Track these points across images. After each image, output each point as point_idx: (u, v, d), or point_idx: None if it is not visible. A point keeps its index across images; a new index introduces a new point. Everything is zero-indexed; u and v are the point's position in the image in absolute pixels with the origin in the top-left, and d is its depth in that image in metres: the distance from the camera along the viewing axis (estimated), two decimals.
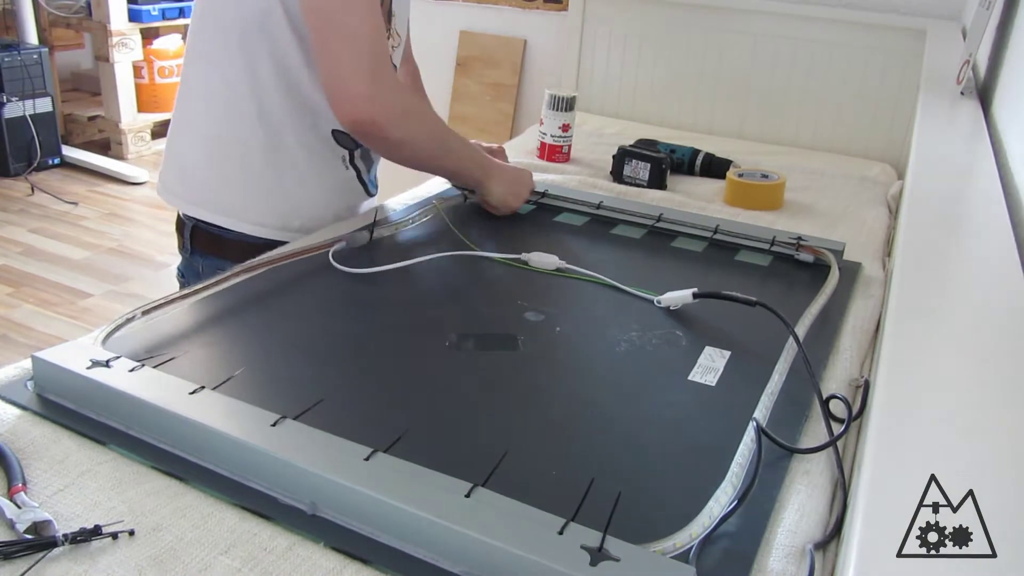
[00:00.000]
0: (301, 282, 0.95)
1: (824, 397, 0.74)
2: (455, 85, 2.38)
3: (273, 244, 1.07)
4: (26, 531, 0.54)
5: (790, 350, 0.81)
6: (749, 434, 0.66)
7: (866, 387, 0.76)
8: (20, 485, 0.57)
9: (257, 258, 0.95)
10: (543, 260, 1.02)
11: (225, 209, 1.07)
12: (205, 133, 1.07)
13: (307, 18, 0.93)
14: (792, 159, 1.71)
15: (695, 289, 0.91)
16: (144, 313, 0.82)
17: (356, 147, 1.12)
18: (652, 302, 0.94)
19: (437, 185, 1.34)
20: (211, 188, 1.07)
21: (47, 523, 0.54)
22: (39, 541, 0.53)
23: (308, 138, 1.06)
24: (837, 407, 0.73)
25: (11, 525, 0.54)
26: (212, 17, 1.02)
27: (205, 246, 1.10)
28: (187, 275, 1.14)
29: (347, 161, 1.12)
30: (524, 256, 1.03)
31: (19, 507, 0.55)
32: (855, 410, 0.72)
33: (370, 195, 1.19)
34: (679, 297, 0.92)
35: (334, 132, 1.08)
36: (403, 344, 0.84)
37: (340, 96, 0.93)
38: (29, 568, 0.51)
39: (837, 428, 0.71)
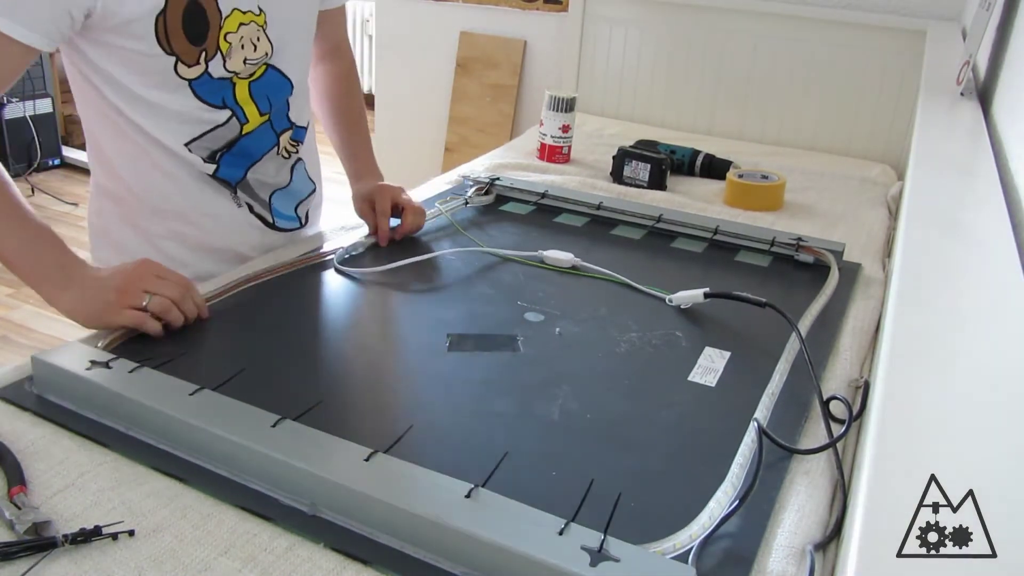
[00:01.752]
0: (301, 283, 0.95)
1: (824, 398, 0.74)
2: (455, 86, 2.38)
3: None
4: (26, 532, 0.53)
5: (790, 351, 0.81)
6: (750, 435, 0.66)
7: (866, 388, 0.76)
8: (20, 486, 0.57)
9: (256, 270, 0.94)
10: (559, 257, 1.03)
11: (119, 258, 0.95)
12: (94, 183, 0.99)
13: None
14: (792, 160, 1.71)
15: (706, 289, 0.91)
16: None
17: (236, 182, 0.99)
18: (664, 300, 0.95)
19: (439, 186, 1.34)
20: (105, 238, 1.00)
21: (47, 523, 0.54)
22: (39, 541, 0.53)
23: (180, 176, 0.95)
24: (837, 408, 0.73)
25: (11, 526, 0.54)
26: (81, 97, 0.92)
27: None
28: None
29: (235, 197, 1.00)
30: (539, 253, 1.04)
31: (19, 508, 0.55)
32: (855, 411, 0.72)
33: (281, 229, 1.06)
34: (690, 296, 0.93)
35: (214, 174, 0.97)
36: (403, 344, 0.84)
37: None
38: (29, 569, 0.51)
39: (837, 429, 0.71)
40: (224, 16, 0.89)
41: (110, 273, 0.82)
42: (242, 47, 0.91)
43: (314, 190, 1.10)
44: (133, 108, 0.90)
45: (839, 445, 0.68)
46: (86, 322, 0.81)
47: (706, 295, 0.92)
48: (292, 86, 1.00)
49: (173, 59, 0.87)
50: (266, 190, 1.03)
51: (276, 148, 1.01)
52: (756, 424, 0.66)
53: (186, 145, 0.93)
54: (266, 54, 0.94)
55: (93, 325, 0.81)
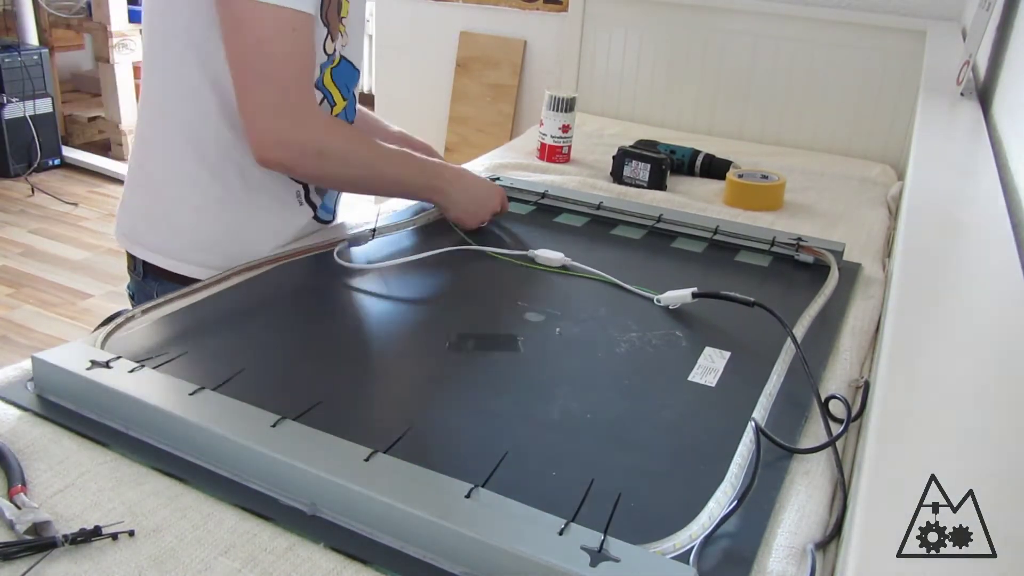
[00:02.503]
0: (301, 283, 0.95)
1: (824, 397, 0.74)
2: (455, 86, 2.38)
3: None
4: (26, 532, 0.53)
5: (789, 351, 0.81)
6: (748, 435, 0.66)
7: (866, 388, 0.76)
8: (20, 486, 0.57)
9: (258, 258, 0.95)
10: (549, 256, 1.03)
11: (165, 250, 1.01)
12: (144, 168, 1.01)
13: (227, 50, 0.88)
14: (792, 160, 1.71)
15: (694, 289, 0.91)
16: (144, 312, 0.82)
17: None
18: (652, 301, 0.94)
19: None
20: (150, 228, 1.01)
21: (47, 524, 0.54)
22: (39, 542, 0.53)
23: (255, 173, 0.98)
24: (837, 408, 0.73)
25: (11, 526, 0.54)
26: (157, 37, 0.95)
27: (159, 271, 1.02)
28: (139, 298, 1.07)
29: (302, 197, 1.05)
30: (530, 252, 1.04)
31: (19, 508, 0.55)
32: (854, 411, 0.72)
33: (326, 223, 1.12)
34: (678, 296, 0.92)
35: None
36: (403, 344, 0.84)
37: (251, 135, 0.89)
38: (29, 569, 0.51)
39: (836, 428, 0.71)
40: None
41: (484, 187, 1.12)
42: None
43: None
44: None
45: (839, 445, 0.68)
46: (459, 216, 1.10)
47: (694, 295, 0.91)
48: (359, 73, 1.06)
49: (326, 31, 0.94)
50: (325, 192, 1.08)
51: None
52: (754, 423, 0.66)
53: None
54: (343, 44, 1.00)
55: (468, 221, 1.10)
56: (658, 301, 0.94)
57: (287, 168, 0.94)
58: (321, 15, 0.92)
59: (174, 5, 0.92)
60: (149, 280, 1.04)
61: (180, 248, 1.01)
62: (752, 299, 0.87)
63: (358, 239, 1.04)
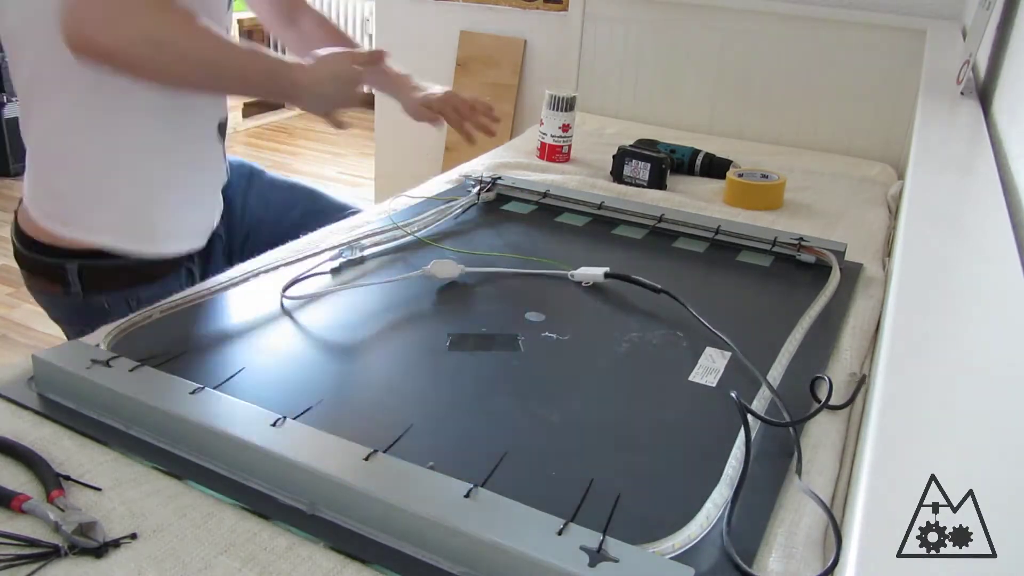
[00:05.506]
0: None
1: (811, 378, 0.74)
2: (455, 85, 2.38)
3: (170, 261, 1.01)
4: (73, 532, 0.53)
5: (788, 349, 0.81)
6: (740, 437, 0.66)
7: (861, 380, 0.76)
8: (59, 490, 0.57)
9: (255, 269, 0.94)
10: (445, 269, 0.96)
11: (134, 236, 0.98)
12: (61, 152, 0.98)
13: None
14: (792, 159, 1.71)
15: (607, 269, 0.97)
16: (162, 312, 0.82)
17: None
18: (566, 277, 0.99)
19: (440, 185, 1.34)
20: (87, 211, 0.97)
21: (93, 524, 0.54)
22: (42, 552, 0.52)
23: (192, 138, 1.01)
24: (836, 397, 0.74)
25: (56, 527, 0.54)
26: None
27: (102, 281, 0.98)
28: (83, 317, 0.98)
29: (223, 129, 1.08)
30: (426, 268, 0.95)
31: (62, 510, 0.55)
32: (845, 399, 0.72)
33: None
34: (591, 274, 0.97)
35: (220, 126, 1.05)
36: (403, 344, 0.84)
37: (69, 19, 0.79)
38: (31, 573, 0.51)
39: (830, 414, 0.71)
40: None
41: (337, 70, 0.95)
42: None
43: None
44: None
45: (839, 444, 0.68)
46: (320, 106, 0.96)
47: (606, 275, 0.97)
48: None
49: None
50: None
51: None
52: (735, 397, 0.65)
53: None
54: None
55: (332, 108, 0.97)
56: (572, 276, 0.99)
57: (110, 58, 0.82)
58: None
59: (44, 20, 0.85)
60: (92, 295, 0.99)
61: (128, 229, 0.98)
62: (659, 286, 0.91)
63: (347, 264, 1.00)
